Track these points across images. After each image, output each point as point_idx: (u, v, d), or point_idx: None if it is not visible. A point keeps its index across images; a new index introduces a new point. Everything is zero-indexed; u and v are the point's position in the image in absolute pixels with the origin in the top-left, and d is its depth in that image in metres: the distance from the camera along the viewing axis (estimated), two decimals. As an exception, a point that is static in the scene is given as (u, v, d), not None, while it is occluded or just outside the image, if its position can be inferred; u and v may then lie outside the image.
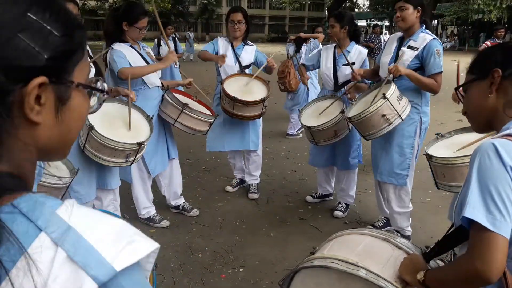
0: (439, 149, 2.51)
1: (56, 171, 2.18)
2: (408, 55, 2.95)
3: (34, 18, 0.54)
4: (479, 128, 1.31)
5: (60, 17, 0.57)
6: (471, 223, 1.05)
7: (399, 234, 3.05)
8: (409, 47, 2.99)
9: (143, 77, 3.13)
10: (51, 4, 0.57)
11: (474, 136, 2.44)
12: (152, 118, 2.94)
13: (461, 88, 1.32)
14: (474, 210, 1.04)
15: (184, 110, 3.18)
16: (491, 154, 1.07)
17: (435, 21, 34.98)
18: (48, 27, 0.55)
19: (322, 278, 1.45)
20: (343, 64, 3.57)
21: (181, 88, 3.92)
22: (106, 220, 0.54)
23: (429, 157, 2.47)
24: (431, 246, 1.34)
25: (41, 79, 0.53)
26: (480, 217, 1.03)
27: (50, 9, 0.56)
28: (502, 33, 7.79)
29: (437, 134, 2.65)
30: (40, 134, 0.57)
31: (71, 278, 0.47)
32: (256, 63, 3.95)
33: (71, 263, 0.47)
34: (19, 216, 0.49)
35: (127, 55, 3.05)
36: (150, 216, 3.51)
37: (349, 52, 3.58)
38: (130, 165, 2.75)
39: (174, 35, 8.76)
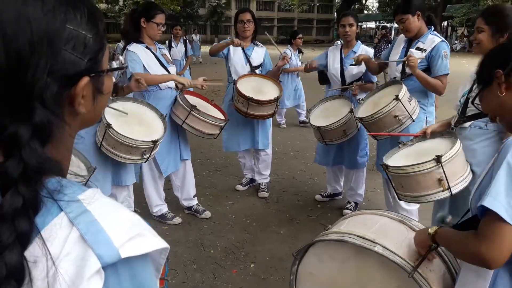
0: (400, 159, 2.41)
1: (77, 169, 2.25)
2: (416, 56, 2.98)
3: (72, 28, 0.58)
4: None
5: (88, 15, 0.61)
6: (487, 211, 1.06)
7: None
8: (418, 48, 3.02)
9: None
10: (80, 4, 0.61)
11: (436, 143, 2.41)
12: (166, 116, 3.02)
13: (477, 100, 1.36)
14: (495, 201, 1.04)
15: (192, 111, 3.19)
16: None
17: (445, 23, 34.74)
18: (83, 32, 0.60)
19: (337, 252, 1.51)
20: (350, 64, 3.62)
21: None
22: (123, 211, 0.58)
23: (386, 167, 2.30)
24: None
25: (85, 80, 0.61)
26: (500, 208, 1.03)
27: (80, 11, 0.61)
28: None
29: (399, 142, 2.59)
30: (81, 119, 0.66)
31: (80, 255, 0.50)
32: (261, 66, 4.02)
33: (82, 242, 0.51)
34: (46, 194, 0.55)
35: (142, 56, 3.13)
36: (162, 213, 3.60)
37: (355, 52, 3.63)
38: (146, 161, 2.85)
39: (185, 38, 8.87)
